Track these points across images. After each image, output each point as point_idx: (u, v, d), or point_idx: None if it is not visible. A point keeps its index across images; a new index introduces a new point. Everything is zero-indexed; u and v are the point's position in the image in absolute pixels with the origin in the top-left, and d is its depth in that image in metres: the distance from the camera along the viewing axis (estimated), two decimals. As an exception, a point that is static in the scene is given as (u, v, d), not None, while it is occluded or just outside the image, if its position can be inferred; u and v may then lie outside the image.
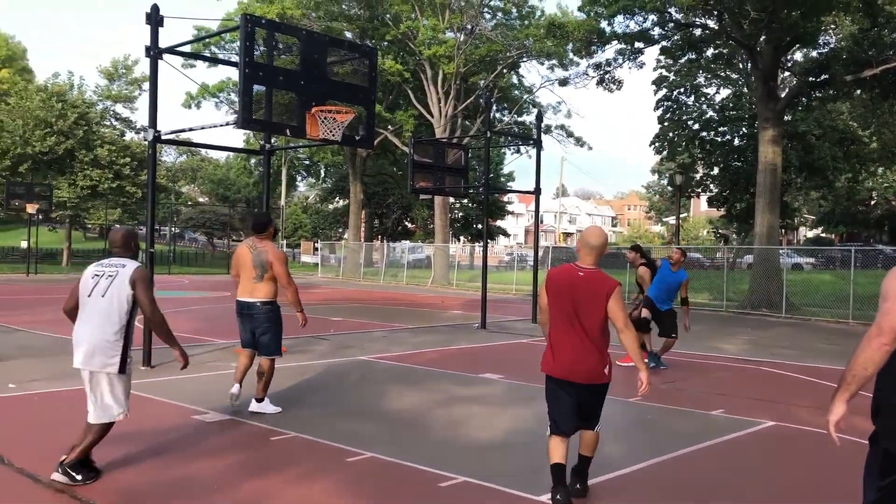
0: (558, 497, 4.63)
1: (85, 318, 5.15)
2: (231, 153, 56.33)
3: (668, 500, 5.07)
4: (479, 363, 10.76)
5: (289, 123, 8.66)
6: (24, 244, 42.73)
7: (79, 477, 4.93)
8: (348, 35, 33.76)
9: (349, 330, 14.46)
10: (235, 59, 9.83)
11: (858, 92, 25.36)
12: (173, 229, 70.98)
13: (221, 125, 9.49)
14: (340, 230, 60.12)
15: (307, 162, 49.00)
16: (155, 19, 9.57)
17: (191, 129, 9.82)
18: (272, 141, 10.90)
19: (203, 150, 76.83)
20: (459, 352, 12.05)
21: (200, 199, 77.60)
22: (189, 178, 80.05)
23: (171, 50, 9.81)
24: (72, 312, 5.32)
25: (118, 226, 6.25)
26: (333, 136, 8.70)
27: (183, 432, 6.42)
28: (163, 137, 9.90)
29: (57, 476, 4.93)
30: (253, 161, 54.57)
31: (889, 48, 21.43)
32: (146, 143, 9.84)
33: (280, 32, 9.42)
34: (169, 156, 77.19)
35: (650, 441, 6.61)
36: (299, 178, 55.05)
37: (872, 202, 55.09)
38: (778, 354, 12.44)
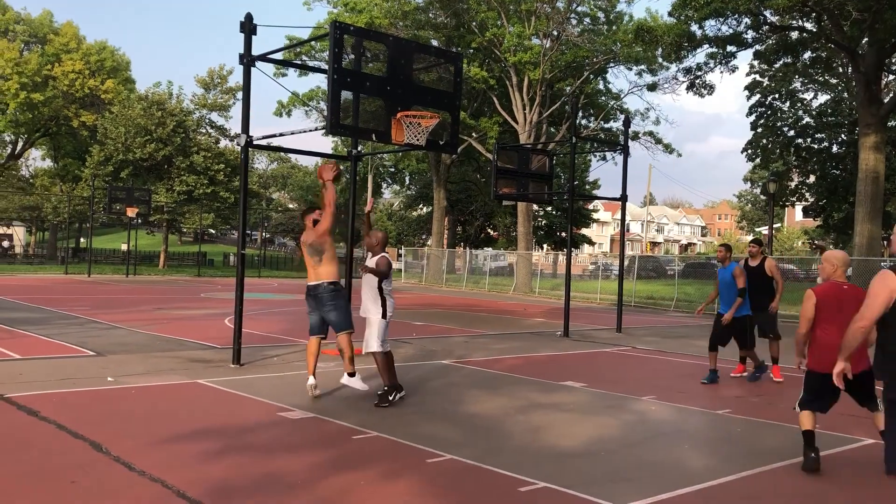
0: (812, 456, 5.76)
1: None
2: (320, 159, 57.80)
3: (758, 515, 4.88)
4: (561, 371, 10.64)
5: (375, 129, 8.78)
6: (123, 247, 44.86)
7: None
8: (434, 43, 34.07)
9: (431, 334, 14.55)
10: (325, 66, 10.05)
11: (970, 96, 23.96)
12: (264, 234, 73.18)
13: (310, 130, 9.72)
14: (424, 237, 60.61)
15: (392, 169, 49.67)
16: (248, 28, 9.90)
17: (281, 135, 10.09)
18: (359, 147, 11.08)
19: (293, 158, 78.91)
20: (541, 359, 11.94)
21: (290, 206, 79.75)
22: (279, 184, 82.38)
23: (264, 57, 10.11)
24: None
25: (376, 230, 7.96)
26: (418, 141, 8.78)
27: (269, 429, 6.57)
28: (254, 143, 10.22)
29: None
30: (341, 168, 55.62)
31: None
32: (239, 148, 10.17)
33: (368, 39, 9.59)
34: (260, 163, 79.69)
35: (740, 452, 6.37)
36: (384, 185, 55.78)
37: None
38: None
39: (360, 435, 6.41)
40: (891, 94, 24.80)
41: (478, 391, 8.73)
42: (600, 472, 5.63)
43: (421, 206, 60.29)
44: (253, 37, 9.96)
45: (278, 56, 11.09)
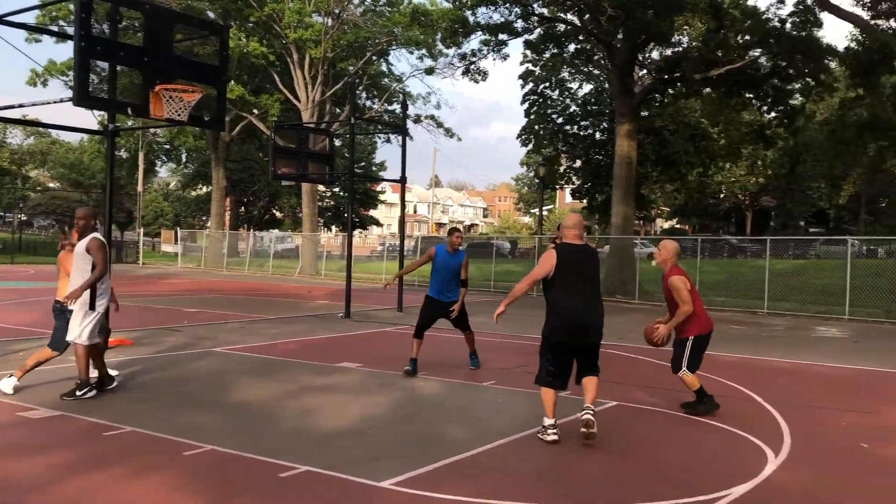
0: (713, 401, 7.18)
1: None
2: (85, 136, 53.08)
3: (511, 478, 5.14)
4: (338, 352, 10.62)
5: (131, 102, 8.17)
6: None
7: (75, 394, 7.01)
8: (211, 15, 32.42)
9: (204, 321, 13.93)
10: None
11: (707, 90, 26.92)
12: (20, 216, 66.29)
13: (56, 102, 8.83)
14: (204, 218, 57.96)
15: (167, 146, 46.79)
16: (-21, -16, 8.80)
17: (22, 106, 9.09)
18: (117, 121, 10.27)
19: (54, 133, 71.92)
20: (319, 342, 11.84)
21: (51, 185, 72.80)
22: (38, 161, 74.81)
23: (0, 19, 9.02)
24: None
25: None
26: (180, 116, 8.27)
27: (4, 431, 5.94)
28: (-10, 114, 9.14)
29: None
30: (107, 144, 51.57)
31: (733, 50, 22.84)
32: (-29, 119, 9.03)
33: (122, 5, 8.84)
34: (15, 138, 71.90)
35: (498, 423, 6.70)
36: (159, 164, 52.52)
37: (721, 196, 58.80)
38: (627, 339, 13.00)
39: (111, 431, 5.97)
40: (641, 86, 27.21)
41: (248, 378, 8.48)
42: (364, 450, 5.68)
43: (200, 185, 57.51)
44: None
45: (21, 19, 9.95)
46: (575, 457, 5.75)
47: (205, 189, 55.94)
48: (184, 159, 51.01)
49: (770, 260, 20.46)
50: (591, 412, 5.91)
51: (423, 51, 33.61)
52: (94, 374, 7.35)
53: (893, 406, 7.96)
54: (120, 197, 52.07)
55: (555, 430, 6.00)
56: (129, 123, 20.81)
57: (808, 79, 24.05)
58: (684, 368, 7.13)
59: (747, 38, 23.12)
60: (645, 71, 29.84)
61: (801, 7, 22.27)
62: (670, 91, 27.39)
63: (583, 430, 5.88)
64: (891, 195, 46.77)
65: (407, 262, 19.87)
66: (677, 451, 5.98)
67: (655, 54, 31.51)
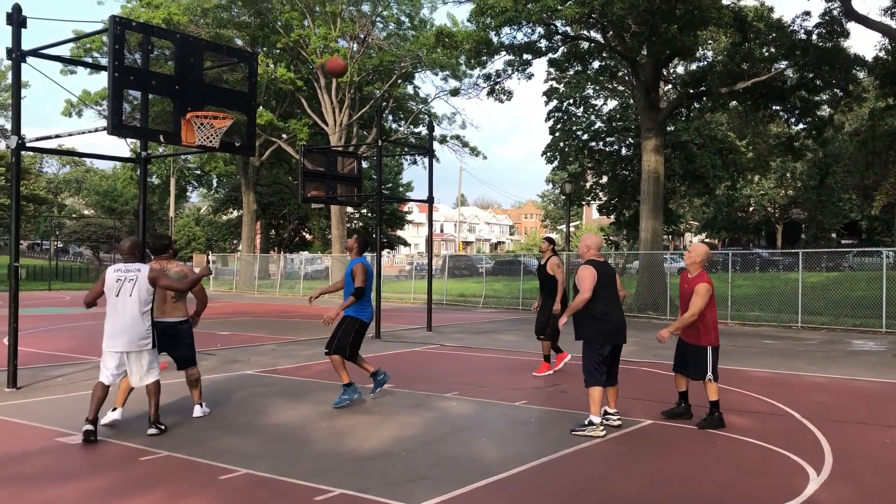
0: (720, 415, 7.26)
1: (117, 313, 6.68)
2: (118, 163, 54.05)
3: (548, 498, 5.10)
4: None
5: (162, 130, 8.32)
6: None
7: (163, 427, 6.74)
8: (238, 43, 33.02)
9: (237, 344, 14.05)
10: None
11: (734, 103, 26.75)
12: (57, 243, 67.54)
13: (90, 131, 9.03)
14: (235, 242, 58.58)
15: (198, 172, 47.47)
16: (17, 20, 9.05)
17: (58, 136, 9.31)
18: (149, 149, 10.47)
19: (88, 161, 73.45)
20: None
21: (86, 212, 74.14)
22: (73, 189, 76.36)
23: (37, 52, 9.27)
24: (92, 304, 6.97)
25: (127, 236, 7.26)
26: (211, 142, 8.42)
27: (43, 456, 6.03)
28: (28, 145, 9.36)
29: (152, 431, 6.65)
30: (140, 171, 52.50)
31: (759, 62, 22.70)
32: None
33: (153, 35, 9.05)
34: (51, 167, 73.53)
35: (533, 443, 6.66)
36: (190, 189, 53.28)
37: (751, 209, 58.20)
38: (660, 355, 12.85)
39: (148, 456, 6.03)
40: (668, 102, 27.12)
41: (281, 400, 8.53)
42: (399, 472, 5.67)
43: (231, 209, 58.19)
44: (24, 30, 9.11)
45: (57, 51, 10.21)
46: (613, 476, 5.69)
47: (235, 213, 56.62)
48: (214, 184, 51.70)
49: (803, 273, 20.16)
50: (618, 416, 7.19)
51: (448, 72, 33.86)
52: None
53: (936, 421, 7.78)
54: (152, 222, 52.87)
55: (603, 427, 6.84)
56: (161, 150, 21.13)
57: (836, 90, 23.79)
58: (709, 375, 7.18)
59: (773, 50, 22.97)
60: (670, 86, 29.76)
61: (827, 18, 22.09)
62: (696, 105, 27.25)
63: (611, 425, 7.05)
64: (925, 205, 45.92)
65: (438, 281, 19.85)
66: (715, 468, 5.89)
67: (680, 69, 31.46)
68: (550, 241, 10.88)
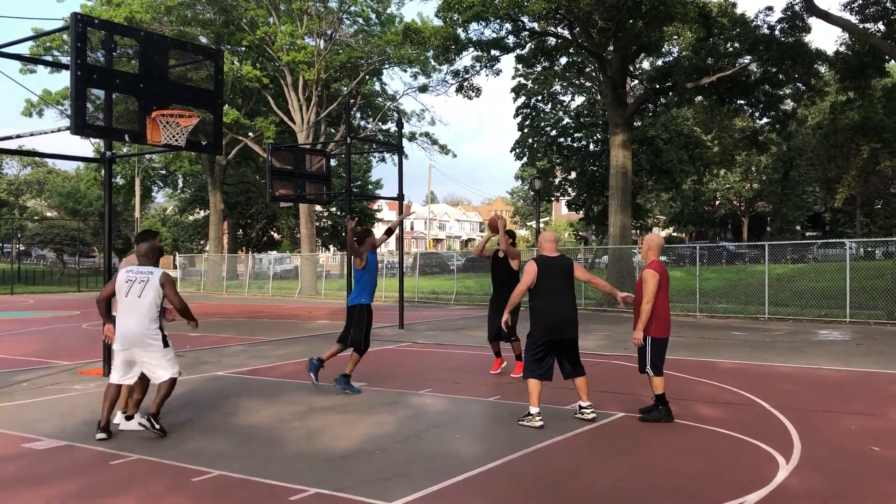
0: (668, 410, 7.18)
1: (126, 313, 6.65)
2: (81, 164, 53.15)
3: (525, 491, 5.12)
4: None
5: (127, 129, 8.19)
6: None
7: (157, 426, 6.57)
8: (203, 40, 32.61)
9: (206, 345, 13.90)
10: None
11: (699, 98, 27.06)
12: (19, 246, 66.26)
13: (53, 131, 8.86)
14: (202, 242, 57.91)
15: (163, 171, 46.85)
16: (-26, 17, 8.86)
17: (19, 136, 9.12)
18: (113, 149, 10.30)
19: (50, 162, 72.08)
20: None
21: (48, 214, 72.80)
22: (35, 191, 74.89)
23: (-5, 51, 9.06)
24: (102, 304, 7.10)
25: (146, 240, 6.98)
26: (177, 141, 8.31)
27: (12, 462, 5.90)
28: (-12, 145, 9.16)
29: (143, 421, 6.58)
30: (104, 171, 51.68)
31: (723, 57, 22.98)
32: (-32, 151, 9.06)
33: (116, 33, 8.90)
34: (11, 168, 72.03)
35: (507, 437, 6.67)
36: (156, 189, 52.58)
37: (717, 202, 58.95)
38: (631, 348, 12.95)
39: (118, 460, 5.93)
40: (635, 97, 27.36)
41: (253, 401, 8.44)
42: (374, 470, 5.64)
43: (197, 209, 57.53)
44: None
45: (16, 50, 9.98)
46: (586, 468, 5.73)
47: (202, 213, 56.00)
48: (180, 184, 51.06)
49: (769, 265, 20.48)
50: (591, 409, 7.20)
51: (417, 68, 33.79)
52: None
53: (901, 407, 7.94)
54: (118, 223, 52.07)
55: (540, 416, 6.89)
56: (125, 150, 20.84)
57: (798, 84, 24.20)
58: (648, 368, 7.15)
59: (737, 45, 23.28)
60: (637, 81, 30.02)
61: (789, 13, 22.44)
62: (663, 100, 27.52)
63: (585, 419, 7.15)
64: (886, 196, 46.90)
65: (409, 279, 19.79)
66: (687, 459, 5.95)
67: (647, 64, 31.73)
68: (511, 234, 10.66)
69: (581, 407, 7.19)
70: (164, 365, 6.72)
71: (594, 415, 7.14)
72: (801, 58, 22.48)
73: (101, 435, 6.53)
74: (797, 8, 22.29)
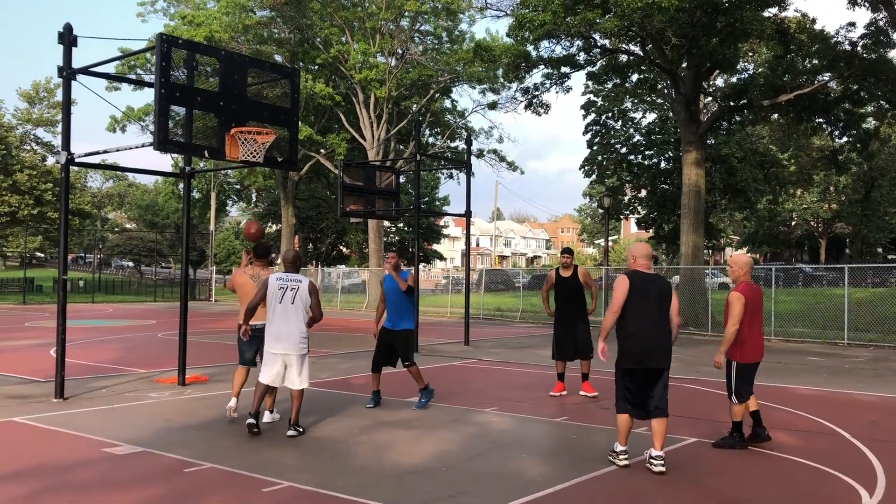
0: (765, 433, 7.06)
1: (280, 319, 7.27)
2: (159, 178, 55.03)
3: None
4: (408, 388, 10.60)
5: (207, 145, 8.46)
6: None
7: (301, 429, 7.33)
8: (278, 59, 33.48)
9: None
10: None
11: (776, 116, 26.36)
12: (100, 257, 68.93)
13: (136, 147, 9.22)
14: (274, 256, 59.07)
15: (238, 186, 48.17)
16: (68, 39, 9.29)
17: (105, 152, 9.52)
18: (192, 164, 10.65)
19: (131, 176, 74.95)
20: (388, 377, 11.82)
21: (128, 226, 75.63)
22: (116, 203, 77.94)
23: (86, 70, 9.50)
24: (253, 310, 7.50)
25: (291, 248, 7.85)
26: (254, 157, 8.54)
27: (89, 467, 6.11)
28: (77, 160, 9.57)
29: (291, 432, 7.18)
30: (181, 185, 53.44)
31: (802, 74, 22.34)
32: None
33: (198, 52, 9.23)
34: (95, 181, 75.11)
35: (574, 459, 6.58)
36: (230, 203, 54.06)
37: (793, 223, 57.20)
38: (703, 372, 12.67)
39: (192, 468, 6.08)
40: (709, 115, 26.83)
41: (322, 413, 8.55)
42: (440, 488, 5.64)
43: (270, 223, 58.85)
44: (74, 48, 9.35)
45: (104, 69, 10.44)
46: (657, 494, 5.60)
47: (275, 227, 57.27)
48: (254, 198, 52.36)
49: (848, 288, 19.73)
50: (662, 462, 6.10)
51: (486, 86, 33.93)
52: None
53: None
54: (193, 236, 53.68)
55: (626, 456, 6.29)
56: (202, 165, 21.62)
57: (881, 102, 23.32)
58: (732, 396, 6.96)
59: (816, 62, 22.60)
60: (711, 98, 29.44)
61: (872, 29, 21.68)
62: (737, 118, 26.90)
63: (653, 471, 6.12)
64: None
65: (475, 295, 19.79)
66: (761, 488, 5.76)
67: (721, 81, 31.10)
68: (570, 251, 10.47)
69: (651, 456, 6.18)
70: (304, 373, 7.37)
71: (664, 469, 6.08)
72: (885, 75, 21.65)
73: (250, 420, 7.22)
74: (881, 23, 21.53)
